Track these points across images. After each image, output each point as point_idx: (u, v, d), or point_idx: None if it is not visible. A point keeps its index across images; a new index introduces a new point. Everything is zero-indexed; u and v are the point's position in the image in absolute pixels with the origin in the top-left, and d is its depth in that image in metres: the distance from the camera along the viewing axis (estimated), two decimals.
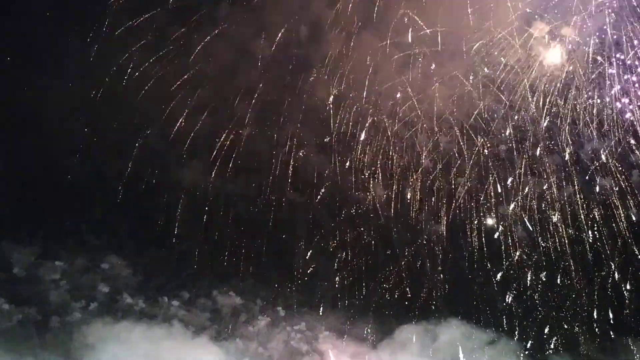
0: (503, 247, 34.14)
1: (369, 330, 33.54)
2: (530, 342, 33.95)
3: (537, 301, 34.05)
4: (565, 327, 33.94)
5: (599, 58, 31.74)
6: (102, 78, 31.45)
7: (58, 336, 29.43)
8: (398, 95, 33.14)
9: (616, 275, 33.16)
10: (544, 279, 33.91)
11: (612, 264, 33.08)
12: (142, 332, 30.00)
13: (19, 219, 31.59)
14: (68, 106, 32.54)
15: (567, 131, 33.16)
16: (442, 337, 33.62)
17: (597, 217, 33.19)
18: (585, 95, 32.49)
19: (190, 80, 32.74)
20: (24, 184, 31.96)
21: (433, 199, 34.52)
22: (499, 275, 33.71)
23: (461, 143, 33.93)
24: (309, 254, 33.52)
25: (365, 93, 32.84)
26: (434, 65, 32.67)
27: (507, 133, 33.79)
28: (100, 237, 32.70)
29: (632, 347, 33.54)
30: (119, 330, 29.69)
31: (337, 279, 33.39)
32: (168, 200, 32.67)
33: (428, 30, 31.60)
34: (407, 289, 33.89)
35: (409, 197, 33.96)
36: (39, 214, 31.96)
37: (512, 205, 33.97)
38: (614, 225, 32.80)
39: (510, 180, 33.98)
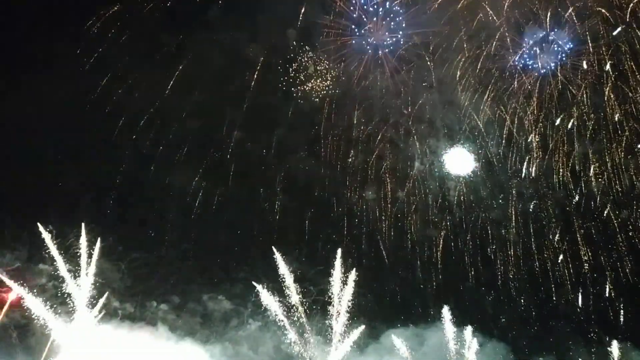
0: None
1: (360, 335, 33.75)
2: (516, 344, 34.79)
3: (522, 305, 35.31)
4: (551, 329, 35.09)
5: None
6: (95, 83, 32.09)
7: (40, 339, 28.88)
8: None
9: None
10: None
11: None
12: (127, 336, 29.59)
13: (4, 222, 31.18)
14: (59, 111, 32.62)
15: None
16: (429, 341, 34.11)
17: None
18: None
19: (181, 84, 33.57)
20: (14, 187, 31.63)
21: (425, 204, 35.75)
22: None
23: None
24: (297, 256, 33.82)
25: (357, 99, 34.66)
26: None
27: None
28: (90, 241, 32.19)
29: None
30: (103, 333, 29.17)
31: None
32: (159, 204, 32.75)
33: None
34: (398, 296, 34.41)
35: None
36: (25, 218, 31.55)
37: None
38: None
39: None
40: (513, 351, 34.59)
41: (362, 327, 33.15)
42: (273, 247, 32.44)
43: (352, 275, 32.58)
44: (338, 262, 32.08)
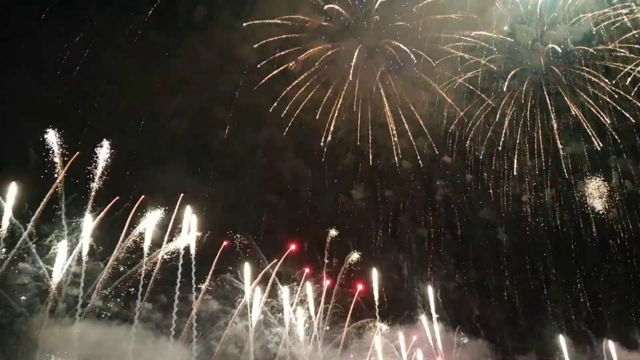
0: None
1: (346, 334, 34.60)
2: (499, 343, 35.66)
3: (507, 305, 36.74)
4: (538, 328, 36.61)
5: None
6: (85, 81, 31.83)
7: (21, 338, 28.74)
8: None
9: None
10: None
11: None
12: (109, 334, 29.67)
13: None
14: (46, 107, 32.24)
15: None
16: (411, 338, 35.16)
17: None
18: None
19: (172, 84, 33.72)
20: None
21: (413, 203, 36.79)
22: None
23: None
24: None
25: (347, 99, 35.13)
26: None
27: None
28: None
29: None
30: (84, 332, 29.16)
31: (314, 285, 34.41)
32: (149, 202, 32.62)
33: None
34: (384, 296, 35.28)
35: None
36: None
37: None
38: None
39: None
40: (497, 350, 35.65)
41: (347, 325, 34.31)
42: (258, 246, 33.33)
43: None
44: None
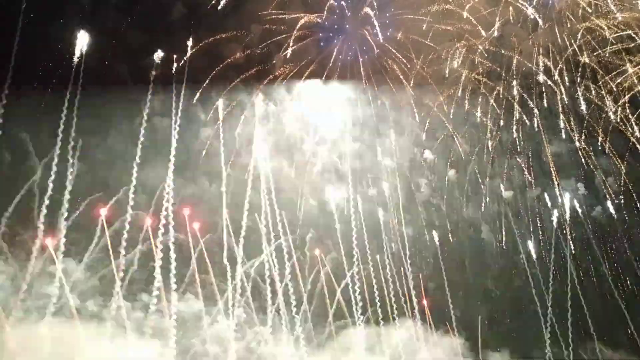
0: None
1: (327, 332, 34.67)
2: (471, 341, 35.55)
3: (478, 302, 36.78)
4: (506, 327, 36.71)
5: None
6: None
7: None
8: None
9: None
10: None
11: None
12: (89, 333, 29.74)
13: None
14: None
15: None
16: (385, 338, 35.24)
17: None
18: None
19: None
20: None
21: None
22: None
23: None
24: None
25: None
26: None
27: None
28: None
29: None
30: (62, 331, 29.26)
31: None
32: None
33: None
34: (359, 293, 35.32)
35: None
36: None
37: None
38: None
39: None
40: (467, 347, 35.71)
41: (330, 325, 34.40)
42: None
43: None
44: None
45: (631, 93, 35.57)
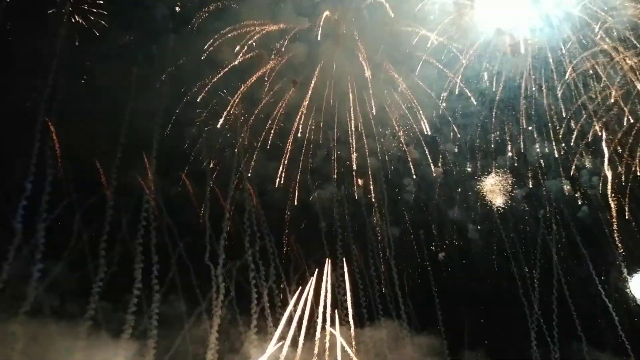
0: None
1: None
2: (456, 341, 35.47)
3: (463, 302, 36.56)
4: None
5: None
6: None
7: None
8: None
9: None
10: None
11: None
12: (65, 334, 29.51)
13: None
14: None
15: None
16: (366, 337, 35.09)
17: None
18: None
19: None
20: None
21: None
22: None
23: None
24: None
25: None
26: None
27: None
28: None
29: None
30: (38, 332, 28.98)
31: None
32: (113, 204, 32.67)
33: None
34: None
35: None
36: None
37: None
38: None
39: None
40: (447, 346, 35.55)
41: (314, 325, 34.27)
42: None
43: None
44: None
45: None
